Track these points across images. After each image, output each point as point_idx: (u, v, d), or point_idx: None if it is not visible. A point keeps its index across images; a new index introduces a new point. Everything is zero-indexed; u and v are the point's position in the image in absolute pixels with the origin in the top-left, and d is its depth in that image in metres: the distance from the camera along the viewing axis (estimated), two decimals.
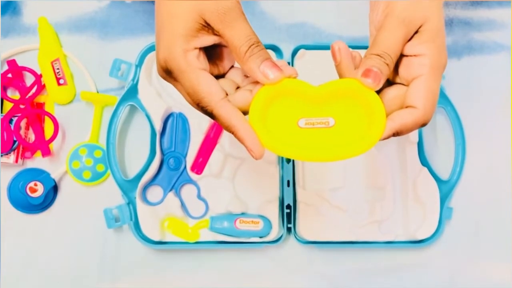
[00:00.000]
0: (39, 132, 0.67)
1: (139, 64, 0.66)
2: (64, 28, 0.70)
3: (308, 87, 0.44)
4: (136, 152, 0.68)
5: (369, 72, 0.43)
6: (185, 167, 0.67)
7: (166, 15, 0.43)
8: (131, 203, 0.65)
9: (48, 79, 0.68)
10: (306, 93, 0.44)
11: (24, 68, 0.68)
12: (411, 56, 0.45)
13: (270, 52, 0.68)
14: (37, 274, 0.66)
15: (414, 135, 0.67)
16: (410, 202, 0.67)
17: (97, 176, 0.67)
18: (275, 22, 0.71)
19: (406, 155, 0.67)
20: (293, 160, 0.66)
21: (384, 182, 0.67)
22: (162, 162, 0.67)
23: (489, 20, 0.72)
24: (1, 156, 0.66)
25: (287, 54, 0.68)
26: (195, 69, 0.43)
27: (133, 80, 0.66)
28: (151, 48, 0.67)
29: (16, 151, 0.67)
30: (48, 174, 0.66)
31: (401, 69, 0.46)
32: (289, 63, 0.68)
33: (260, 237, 0.65)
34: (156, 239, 0.65)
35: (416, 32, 0.45)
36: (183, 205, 0.67)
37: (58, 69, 0.68)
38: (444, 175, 0.68)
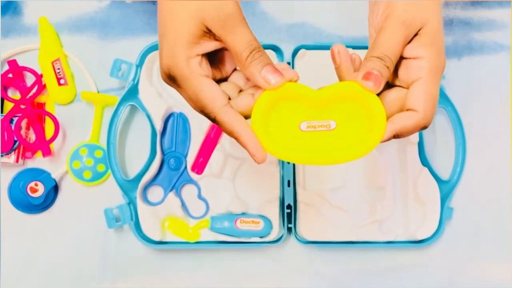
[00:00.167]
0: (40, 132, 0.67)
1: (139, 64, 0.66)
2: (65, 28, 0.70)
3: (309, 91, 0.44)
4: (136, 152, 0.68)
5: (369, 75, 0.43)
6: (185, 167, 0.67)
7: (168, 22, 0.44)
8: (131, 203, 0.65)
9: (49, 79, 0.68)
10: (307, 96, 0.44)
11: (25, 68, 0.68)
12: (410, 58, 0.45)
13: (271, 52, 0.68)
14: (37, 274, 0.66)
15: (414, 135, 0.67)
16: (411, 202, 0.67)
17: (97, 176, 0.67)
18: (275, 22, 0.71)
19: (406, 155, 0.67)
20: None
21: (384, 182, 0.67)
22: (162, 162, 0.67)
23: (489, 20, 0.72)
24: (2, 156, 0.66)
25: (287, 54, 0.68)
26: (198, 76, 0.43)
27: (133, 80, 0.66)
28: (151, 48, 0.67)
29: (16, 151, 0.67)
30: (49, 174, 0.66)
31: (401, 72, 0.46)
32: (289, 63, 0.68)
33: (261, 237, 0.65)
34: (157, 239, 0.65)
35: (415, 35, 0.45)
36: (183, 205, 0.67)
37: (58, 69, 0.68)
38: (445, 175, 0.68)
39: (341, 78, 0.45)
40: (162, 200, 0.66)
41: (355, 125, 0.44)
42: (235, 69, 0.47)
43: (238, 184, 0.67)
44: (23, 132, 0.67)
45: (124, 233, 0.67)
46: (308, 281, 0.67)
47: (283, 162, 0.67)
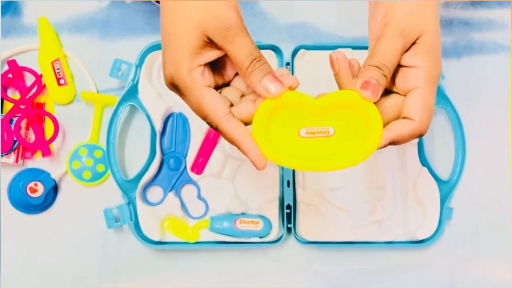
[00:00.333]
0: (39, 132, 0.67)
1: (139, 64, 0.66)
2: (64, 28, 0.70)
3: (308, 99, 0.45)
4: (136, 152, 0.68)
5: (367, 84, 0.44)
6: (185, 167, 0.67)
7: (171, 32, 0.44)
8: (131, 203, 0.65)
9: (48, 79, 0.68)
10: (307, 104, 0.45)
11: (24, 68, 0.68)
12: (407, 67, 0.46)
13: (270, 52, 0.68)
14: (37, 274, 0.66)
15: None
16: (410, 202, 0.67)
17: (97, 176, 0.67)
18: (275, 22, 0.71)
19: (406, 155, 0.67)
20: None
21: (384, 182, 0.67)
22: (162, 162, 0.67)
23: (489, 20, 0.72)
24: (1, 156, 0.66)
25: (287, 54, 0.68)
26: (200, 87, 0.44)
27: (133, 80, 0.66)
28: (151, 48, 0.67)
29: (16, 151, 0.67)
30: (48, 174, 0.66)
31: (398, 79, 0.46)
32: (288, 64, 0.68)
33: (260, 237, 0.65)
34: (156, 239, 0.65)
35: (413, 43, 0.45)
36: (183, 205, 0.67)
37: (58, 69, 0.68)
38: (444, 175, 0.68)
39: (339, 84, 0.46)
40: (162, 200, 0.66)
41: (353, 132, 0.45)
42: (237, 74, 0.48)
43: (238, 184, 0.67)
44: (22, 132, 0.67)
45: (124, 233, 0.67)
46: (307, 281, 0.67)
47: None
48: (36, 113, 0.67)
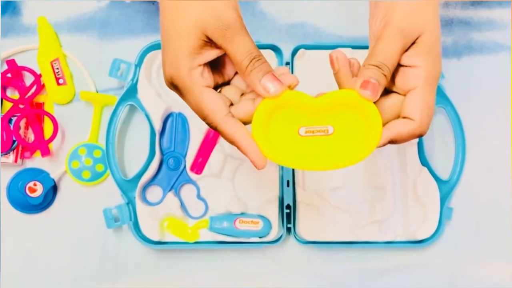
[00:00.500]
0: (39, 132, 0.67)
1: (138, 64, 0.66)
2: (64, 28, 0.70)
3: (308, 98, 0.45)
4: (135, 152, 0.68)
5: (367, 83, 0.44)
6: (184, 167, 0.67)
7: (171, 32, 0.44)
8: (130, 203, 0.65)
9: (48, 79, 0.68)
10: (306, 104, 0.45)
11: (24, 68, 0.68)
12: (407, 66, 0.46)
13: (270, 52, 0.68)
14: (37, 274, 0.66)
15: None
16: (410, 202, 0.67)
17: (96, 176, 0.67)
18: (275, 22, 0.71)
19: (406, 155, 0.67)
20: None
21: (384, 182, 0.67)
22: (161, 162, 0.66)
23: (489, 20, 0.72)
24: (1, 156, 0.66)
25: (287, 54, 0.68)
26: (199, 87, 0.44)
27: (132, 80, 0.66)
28: (150, 48, 0.67)
29: (15, 151, 0.66)
30: (48, 174, 0.66)
31: (398, 79, 0.46)
32: (288, 63, 0.68)
33: (260, 237, 0.65)
34: (156, 239, 0.65)
35: (413, 43, 0.46)
36: (182, 205, 0.66)
37: (57, 69, 0.68)
38: (444, 175, 0.68)
39: (339, 84, 0.46)
40: (161, 200, 0.66)
41: (352, 131, 0.45)
42: (237, 72, 0.48)
43: (237, 184, 0.67)
44: (21, 132, 0.67)
45: (123, 233, 0.67)
46: (307, 281, 0.67)
47: None
48: (35, 113, 0.67)
